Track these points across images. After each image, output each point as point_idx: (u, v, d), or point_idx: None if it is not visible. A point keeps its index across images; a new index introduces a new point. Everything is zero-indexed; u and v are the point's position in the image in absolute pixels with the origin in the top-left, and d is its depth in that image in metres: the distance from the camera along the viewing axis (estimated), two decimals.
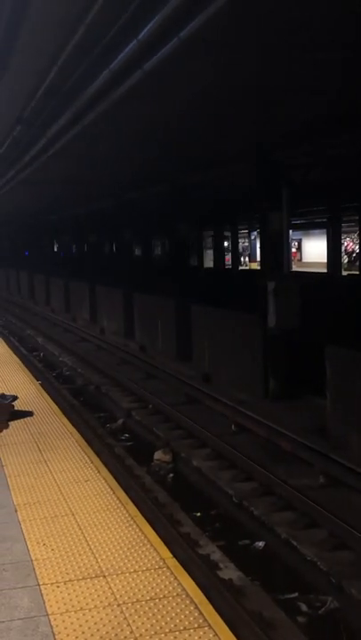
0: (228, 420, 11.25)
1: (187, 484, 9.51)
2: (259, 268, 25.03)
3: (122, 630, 4.18)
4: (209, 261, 35.43)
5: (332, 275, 22.45)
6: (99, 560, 5.12)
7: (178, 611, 4.41)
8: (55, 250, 38.57)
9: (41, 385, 12.18)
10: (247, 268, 39.52)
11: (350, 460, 8.69)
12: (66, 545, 5.38)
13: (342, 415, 9.66)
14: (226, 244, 33.22)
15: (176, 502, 8.36)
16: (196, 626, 4.23)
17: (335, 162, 13.06)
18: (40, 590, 4.70)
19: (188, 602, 4.52)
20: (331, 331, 13.18)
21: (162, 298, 17.88)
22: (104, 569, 4.98)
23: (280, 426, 10.33)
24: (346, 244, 38.61)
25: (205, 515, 8.37)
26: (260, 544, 7.51)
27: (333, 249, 23.19)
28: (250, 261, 39.99)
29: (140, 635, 4.13)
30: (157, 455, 10.30)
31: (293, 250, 44.45)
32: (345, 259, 35.93)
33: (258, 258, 29.63)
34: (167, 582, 4.77)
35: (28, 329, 25.72)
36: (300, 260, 46.73)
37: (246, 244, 44.30)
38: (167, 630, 4.18)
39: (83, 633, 4.17)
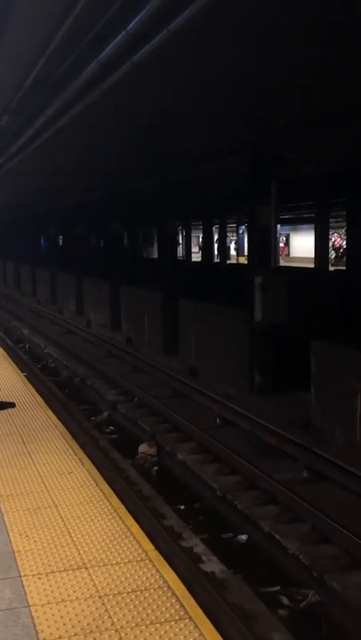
0: (214, 414, 11.27)
1: (171, 478, 9.53)
2: (247, 262, 25.04)
3: (103, 622, 4.19)
4: (196, 255, 35.48)
5: (320, 270, 22.50)
6: (81, 552, 5.12)
7: (159, 603, 4.42)
8: (42, 241, 38.42)
9: (26, 377, 12.15)
10: (235, 262, 39.51)
11: (334, 455, 8.73)
12: (48, 537, 5.38)
13: (327, 410, 9.70)
14: (214, 237, 33.22)
15: (160, 495, 8.37)
16: (177, 618, 4.25)
17: (324, 157, 13.08)
18: (22, 582, 4.70)
19: (169, 594, 4.53)
20: (317, 325, 13.24)
21: (149, 291, 17.87)
22: (86, 561, 4.98)
23: (265, 420, 10.36)
24: (333, 239, 38.74)
25: (189, 508, 8.39)
26: (243, 537, 7.54)
27: (321, 244, 23.23)
28: (238, 255, 40.00)
29: (121, 626, 4.14)
30: (142, 448, 10.31)
31: (281, 244, 44.55)
32: (332, 254, 36.09)
33: (246, 252, 29.69)
34: (149, 574, 4.79)
35: (14, 320, 25.63)
36: (288, 254, 46.82)
37: (234, 237, 44.34)
38: (148, 622, 4.19)
39: (64, 624, 4.17)
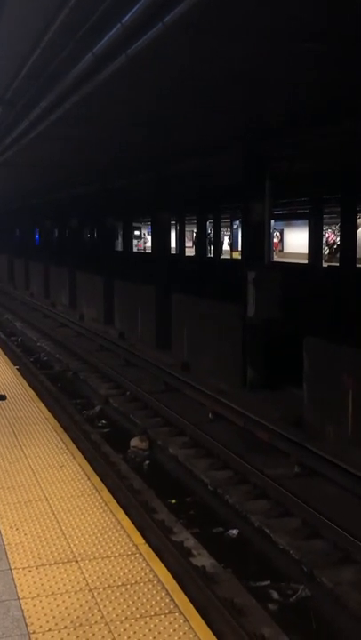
0: (206, 409, 11.28)
1: (163, 472, 9.54)
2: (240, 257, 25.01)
3: (93, 615, 4.20)
4: (190, 250, 35.45)
5: (313, 266, 22.54)
6: (71, 545, 5.12)
7: (149, 596, 4.43)
8: (37, 235, 38.32)
9: (18, 370, 12.14)
10: (228, 257, 39.51)
11: (326, 451, 8.75)
12: (39, 530, 5.38)
13: (319, 406, 9.72)
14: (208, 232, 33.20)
15: (151, 489, 8.38)
16: (167, 612, 4.25)
17: (318, 154, 13.08)
18: (12, 574, 4.70)
19: (159, 588, 4.54)
20: (310, 322, 13.26)
21: (142, 285, 17.86)
22: (77, 554, 4.98)
23: (257, 415, 10.38)
24: (327, 235, 38.77)
25: (180, 502, 8.40)
26: (234, 532, 7.56)
27: (315, 240, 23.27)
28: (232, 251, 39.99)
29: (111, 620, 4.15)
30: (134, 442, 10.31)
31: (275, 240, 44.53)
32: (326, 250, 36.12)
33: (240, 247, 29.67)
34: (140, 568, 4.79)
35: (7, 313, 25.58)
36: (282, 250, 46.81)
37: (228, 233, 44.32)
38: (138, 616, 4.19)
39: (54, 617, 4.17)
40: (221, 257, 32.94)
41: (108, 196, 21.46)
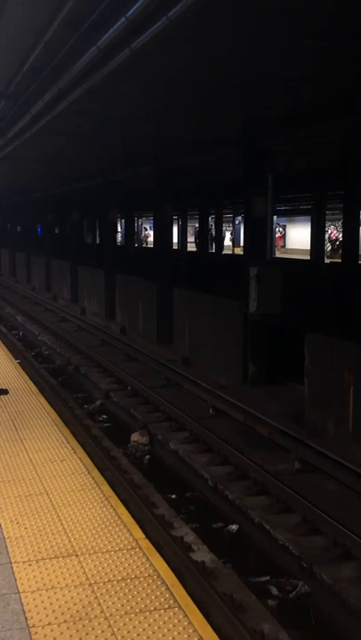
0: (207, 404, 11.28)
1: (163, 467, 9.55)
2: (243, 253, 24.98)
3: (92, 609, 4.21)
4: (191, 245, 35.41)
5: (315, 262, 22.49)
6: (71, 539, 5.13)
7: (149, 591, 4.44)
8: (39, 228, 38.34)
9: (19, 364, 12.14)
10: (231, 252, 39.49)
11: (326, 447, 8.75)
12: (39, 524, 5.39)
13: (320, 402, 9.72)
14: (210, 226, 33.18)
15: (151, 484, 8.38)
16: (166, 607, 4.26)
17: (321, 149, 13.05)
18: (12, 568, 4.71)
19: (159, 582, 4.55)
20: (311, 317, 13.26)
21: (144, 280, 17.84)
22: (77, 548, 4.99)
23: (258, 411, 10.38)
24: (330, 231, 38.73)
25: (180, 497, 8.41)
26: (234, 527, 7.57)
27: (317, 236, 23.22)
28: (234, 246, 39.98)
29: (111, 614, 4.15)
30: (134, 437, 10.32)
31: (278, 235, 44.50)
32: (328, 246, 36.07)
33: (242, 243, 29.68)
34: (139, 563, 4.80)
35: (8, 307, 25.59)
36: (284, 246, 46.79)
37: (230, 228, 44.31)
38: (137, 610, 4.20)
39: (53, 611, 4.18)
40: (223, 252, 32.90)
41: (109, 190, 21.42)
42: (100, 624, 4.05)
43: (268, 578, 6.49)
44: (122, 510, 5.66)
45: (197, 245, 32.47)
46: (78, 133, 12.63)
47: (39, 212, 33.94)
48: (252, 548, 7.32)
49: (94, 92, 8.48)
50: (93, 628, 4.00)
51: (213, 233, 32.54)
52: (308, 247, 25.42)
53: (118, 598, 4.34)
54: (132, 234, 34.13)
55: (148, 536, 5.29)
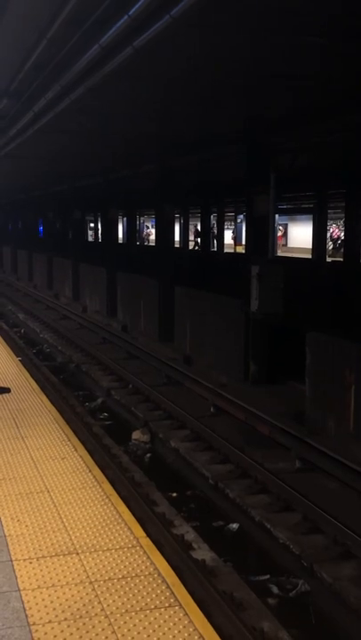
0: (208, 403, 11.28)
1: (164, 465, 9.56)
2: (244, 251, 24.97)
3: (93, 607, 4.21)
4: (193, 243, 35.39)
5: (317, 261, 22.47)
6: (72, 537, 5.13)
7: (149, 590, 4.44)
8: (40, 226, 38.36)
9: (21, 361, 12.15)
10: (232, 251, 39.46)
11: (327, 446, 8.75)
12: (40, 521, 5.40)
13: (320, 401, 9.72)
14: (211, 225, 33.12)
15: (152, 482, 8.39)
16: (167, 605, 4.27)
17: (323, 148, 13.04)
18: (12, 566, 4.71)
19: (159, 581, 4.55)
20: (313, 316, 13.25)
21: (145, 278, 17.84)
22: (77, 546, 5.00)
23: (259, 409, 10.37)
24: (331, 230, 38.68)
25: (181, 495, 8.41)
26: (235, 526, 7.57)
27: (319, 235, 23.19)
28: (235, 245, 39.92)
29: (111, 612, 4.16)
30: (135, 435, 10.33)
31: (279, 234, 44.45)
32: (330, 245, 36.04)
33: (244, 241, 29.62)
34: (140, 561, 4.80)
35: (10, 304, 25.59)
36: (286, 244, 46.74)
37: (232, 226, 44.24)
38: (138, 609, 4.21)
39: (54, 609, 4.19)
40: (225, 251, 32.87)
41: (111, 188, 21.42)
42: (100, 622, 4.05)
43: (268, 576, 6.49)
44: (122, 508, 5.67)
45: (195, 244, 32.51)
46: (80, 131, 12.62)
47: (41, 210, 33.94)
48: (252, 546, 7.33)
49: (96, 91, 8.47)
50: (94, 626, 4.01)
51: (215, 231, 32.53)
52: (310, 246, 25.39)
53: (119, 596, 4.34)
54: (133, 232, 34.13)
55: (148, 534, 5.30)
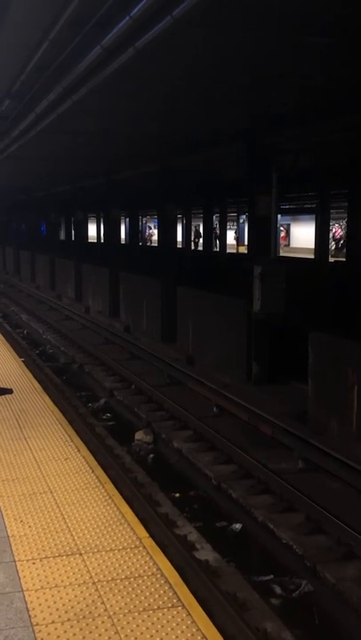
0: (211, 403, 11.29)
1: (167, 465, 9.56)
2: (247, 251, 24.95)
3: (96, 608, 4.21)
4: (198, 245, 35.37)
5: (319, 261, 22.46)
6: (75, 538, 5.14)
7: (152, 590, 4.44)
8: (43, 227, 38.41)
9: (24, 362, 12.16)
10: (235, 251, 39.46)
11: (330, 446, 8.75)
12: (43, 522, 5.40)
13: (323, 401, 9.72)
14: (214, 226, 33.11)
15: (155, 482, 8.39)
16: (170, 605, 4.27)
17: (325, 147, 13.03)
18: (16, 566, 4.72)
19: (162, 581, 4.55)
20: (316, 316, 13.24)
21: (148, 278, 17.85)
22: (80, 547, 5.00)
23: (261, 410, 10.38)
24: (334, 230, 38.66)
25: (184, 496, 8.42)
26: (238, 526, 7.57)
27: (321, 235, 23.19)
28: (238, 245, 39.93)
29: (114, 613, 4.16)
30: (138, 435, 10.33)
31: (282, 234, 44.42)
32: (333, 245, 36.03)
33: (246, 242, 29.63)
34: (143, 562, 4.81)
35: (13, 305, 25.62)
36: (288, 245, 46.73)
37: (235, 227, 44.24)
38: (141, 609, 4.21)
39: (57, 610, 4.19)
40: (228, 251, 32.86)
41: (113, 189, 21.43)
42: (103, 622, 4.06)
43: (271, 577, 6.49)
44: (125, 509, 5.67)
45: (195, 245, 32.52)
46: (82, 132, 12.64)
47: (43, 211, 33.96)
48: (255, 546, 7.33)
49: (98, 92, 8.49)
50: (97, 627, 4.01)
51: (218, 232, 32.54)
52: (313, 246, 25.38)
53: (122, 597, 4.35)
54: (136, 232, 34.14)
55: (151, 535, 5.30)
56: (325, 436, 9.29)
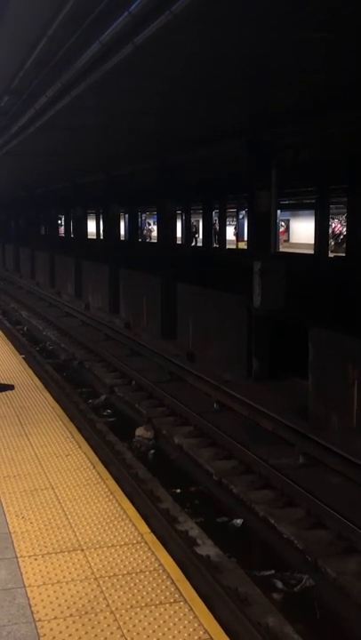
0: (211, 399, 11.30)
1: (168, 461, 9.57)
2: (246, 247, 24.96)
3: (98, 604, 4.22)
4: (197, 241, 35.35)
5: (319, 256, 22.45)
6: (77, 534, 5.15)
7: (154, 585, 4.45)
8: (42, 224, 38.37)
9: (24, 359, 12.16)
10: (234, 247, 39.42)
11: (330, 441, 8.76)
12: (45, 518, 5.41)
13: (324, 396, 9.73)
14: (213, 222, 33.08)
15: (156, 478, 8.41)
16: (171, 600, 4.28)
17: (325, 143, 13.02)
18: (18, 563, 4.73)
19: (164, 577, 4.56)
20: (316, 312, 13.25)
21: (148, 275, 17.85)
22: (82, 543, 5.01)
23: (262, 405, 10.39)
24: (334, 225, 38.62)
25: (185, 491, 8.43)
26: (239, 521, 7.58)
27: (321, 231, 23.16)
28: (238, 241, 39.91)
29: (116, 608, 4.17)
30: (139, 431, 10.34)
31: (281, 229, 44.39)
32: (332, 241, 35.98)
33: (246, 237, 29.61)
34: (145, 557, 4.82)
35: (13, 302, 25.62)
36: (288, 240, 46.69)
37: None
38: (143, 604, 4.22)
39: (59, 605, 4.20)
40: (227, 247, 32.84)
41: (112, 185, 21.41)
42: (105, 618, 4.07)
43: (272, 572, 6.50)
44: (127, 505, 5.68)
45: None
46: (81, 129, 12.62)
47: (43, 208, 33.93)
48: (256, 541, 7.34)
49: (98, 88, 8.47)
50: (99, 622, 4.02)
51: (217, 228, 32.54)
52: (312, 241, 25.36)
53: (124, 592, 4.36)
54: (135, 229, 34.12)
55: (153, 530, 5.31)
56: (326, 431, 9.30)
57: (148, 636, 3.89)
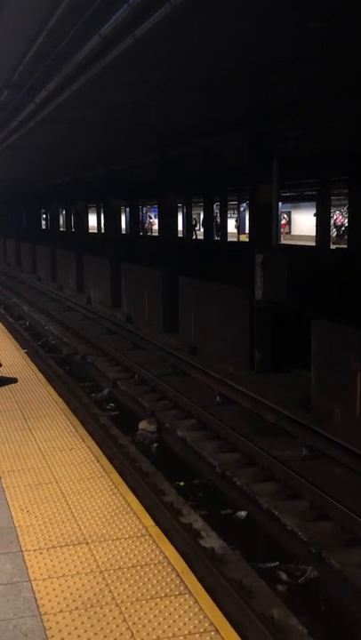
0: (214, 392, 11.30)
1: (171, 454, 9.58)
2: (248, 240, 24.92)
3: (103, 597, 4.23)
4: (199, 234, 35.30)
5: (320, 248, 22.43)
6: (82, 527, 5.16)
7: (159, 578, 4.46)
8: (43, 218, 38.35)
9: (27, 353, 12.17)
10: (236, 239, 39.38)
11: (333, 433, 8.77)
12: (49, 512, 5.42)
13: (326, 388, 9.73)
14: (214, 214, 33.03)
15: (160, 471, 8.42)
16: (177, 593, 4.29)
17: (326, 134, 12.97)
18: (23, 556, 4.74)
19: (169, 569, 4.57)
20: (318, 304, 13.24)
21: (149, 268, 17.83)
22: (87, 536, 5.02)
23: (265, 398, 10.39)
24: (335, 217, 38.55)
25: (189, 484, 8.44)
26: (243, 514, 7.60)
27: (322, 222, 23.14)
28: (239, 233, 39.87)
29: (122, 601, 4.18)
30: (142, 425, 10.35)
31: (283, 221, 44.34)
32: (334, 232, 35.95)
33: (247, 230, 29.60)
34: (149, 550, 4.82)
35: (15, 297, 25.62)
36: (289, 232, 46.64)
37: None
38: (148, 597, 4.23)
39: (65, 599, 4.21)
40: (228, 239, 32.81)
41: (113, 179, 21.38)
42: (111, 611, 4.08)
43: (277, 563, 6.52)
44: (131, 498, 5.69)
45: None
46: (82, 122, 12.59)
47: (44, 202, 33.89)
48: (260, 534, 7.36)
49: (98, 81, 8.45)
50: (105, 615, 4.03)
51: (218, 220, 32.50)
52: (314, 233, 25.34)
53: (129, 585, 4.37)
54: (136, 222, 34.09)
55: (157, 523, 5.31)
56: (329, 423, 9.30)
57: (154, 629, 3.91)
